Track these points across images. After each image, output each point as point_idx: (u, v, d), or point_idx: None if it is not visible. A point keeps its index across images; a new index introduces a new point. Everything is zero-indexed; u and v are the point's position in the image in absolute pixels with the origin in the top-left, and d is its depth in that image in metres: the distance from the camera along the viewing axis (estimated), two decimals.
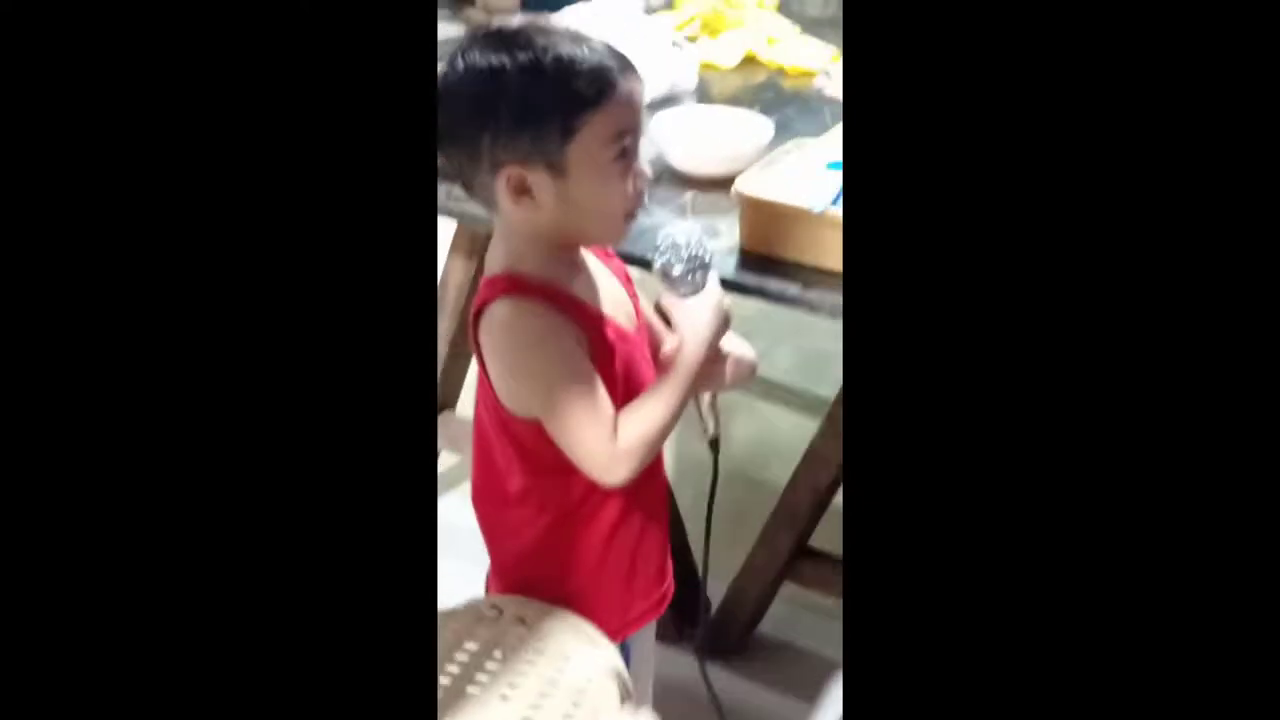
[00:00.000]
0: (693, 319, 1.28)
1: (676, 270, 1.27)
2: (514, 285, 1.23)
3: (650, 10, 2.53)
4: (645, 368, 1.33)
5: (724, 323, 1.31)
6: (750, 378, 1.41)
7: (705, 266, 1.29)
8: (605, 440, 1.21)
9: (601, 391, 1.23)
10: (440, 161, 1.54)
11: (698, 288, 1.28)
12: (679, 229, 1.29)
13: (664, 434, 1.25)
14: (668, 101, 2.01)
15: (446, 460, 2.31)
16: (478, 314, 1.26)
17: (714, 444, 1.41)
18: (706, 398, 1.38)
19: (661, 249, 1.28)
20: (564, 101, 1.17)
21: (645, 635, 1.48)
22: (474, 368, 1.34)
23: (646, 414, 1.24)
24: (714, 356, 1.31)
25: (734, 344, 1.36)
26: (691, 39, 2.29)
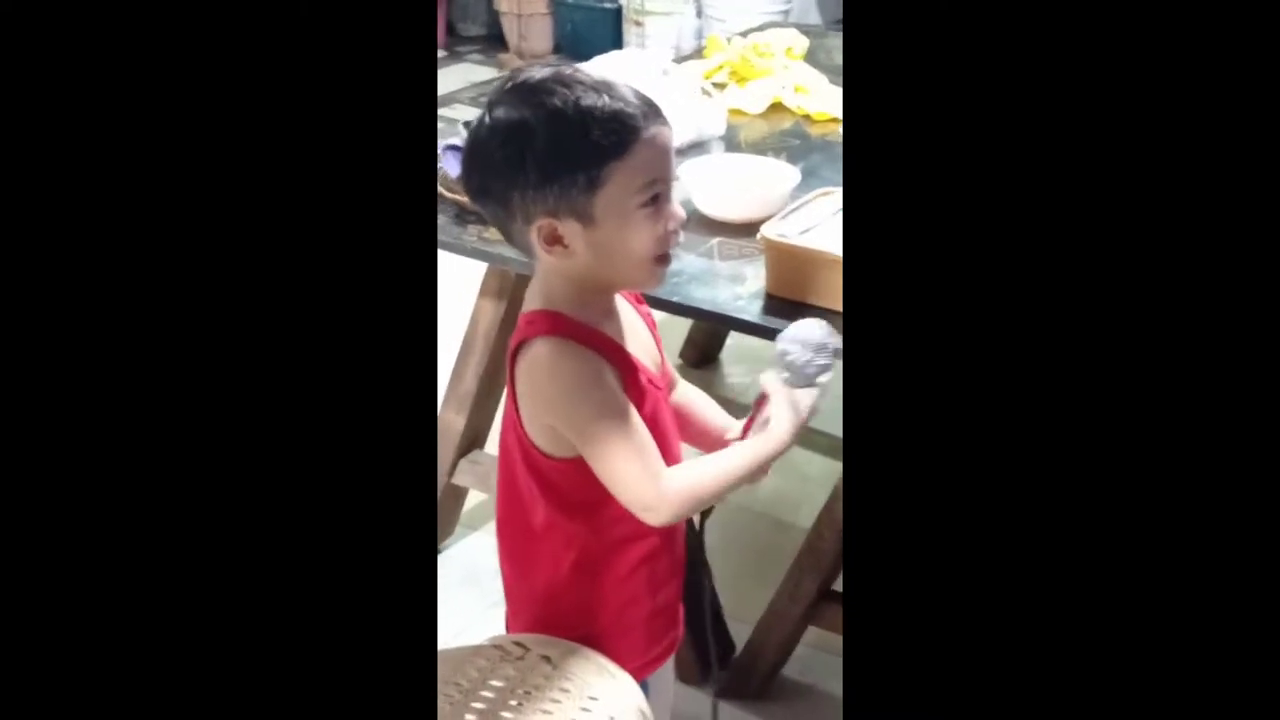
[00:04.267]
0: (790, 412, 1.25)
1: (806, 368, 1.24)
2: (554, 325, 1.23)
3: (680, 58, 2.56)
4: (668, 413, 1.34)
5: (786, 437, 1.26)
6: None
7: (828, 368, 1.25)
8: (649, 479, 1.21)
9: (643, 429, 1.23)
10: (469, 205, 1.54)
11: (811, 383, 1.25)
12: (807, 327, 1.25)
13: (714, 498, 1.26)
14: (696, 147, 2.04)
15: (474, 498, 2.32)
16: (516, 349, 1.26)
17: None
18: None
19: (787, 349, 1.24)
20: (588, 153, 1.17)
21: (664, 673, 1.48)
22: (503, 404, 1.33)
23: (707, 473, 1.25)
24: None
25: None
26: (720, 86, 2.32)
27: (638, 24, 4.58)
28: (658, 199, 1.21)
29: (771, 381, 1.26)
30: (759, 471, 1.27)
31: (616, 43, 4.58)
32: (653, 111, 1.20)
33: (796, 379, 1.24)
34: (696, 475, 1.24)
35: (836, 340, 1.24)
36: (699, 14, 4.51)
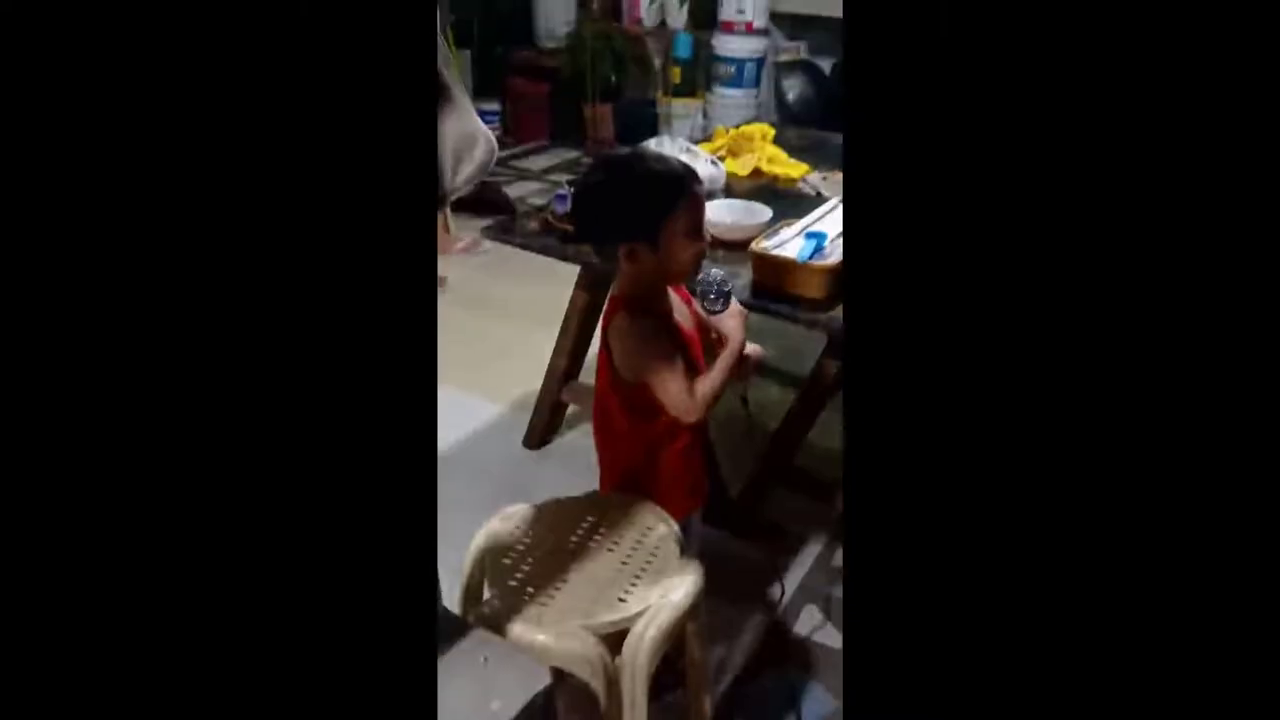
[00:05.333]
0: (731, 325, 1.29)
1: (709, 297, 1.29)
2: (630, 304, 1.26)
3: (695, 140, 2.54)
4: (699, 351, 1.34)
5: (745, 324, 1.31)
6: (758, 367, 1.40)
7: (728, 294, 1.30)
8: (686, 394, 1.24)
9: (681, 364, 1.26)
10: (570, 232, 1.53)
11: (724, 306, 1.30)
12: (710, 272, 1.30)
13: (720, 392, 1.27)
14: (709, 196, 1.99)
15: (572, 410, 2.32)
16: (608, 320, 1.28)
17: (744, 400, 1.42)
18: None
19: (701, 284, 1.30)
20: (657, 203, 1.19)
21: (695, 518, 1.49)
22: (592, 351, 1.36)
23: (710, 380, 1.26)
24: (743, 348, 1.31)
25: (751, 347, 1.36)
26: (722, 158, 2.28)
27: (667, 122, 4.54)
28: (696, 230, 1.21)
29: (710, 318, 1.30)
30: (735, 367, 1.27)
31: (654, 132, 4.53)
32: (693, 176, 1.22)
33: (709, 305, 1.29)
34: (705, 384, 1.25)
35: (729, 282, 1.29)
36: (704, 115, 4.48)
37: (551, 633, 1.16)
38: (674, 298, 1.35)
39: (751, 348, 1.37)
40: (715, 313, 1.30)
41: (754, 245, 1.58)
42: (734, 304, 1.31)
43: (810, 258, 1.52)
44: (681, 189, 1.19)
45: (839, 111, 4.18)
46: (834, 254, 1.54)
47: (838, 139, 2.63)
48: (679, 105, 4.46)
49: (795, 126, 2.86)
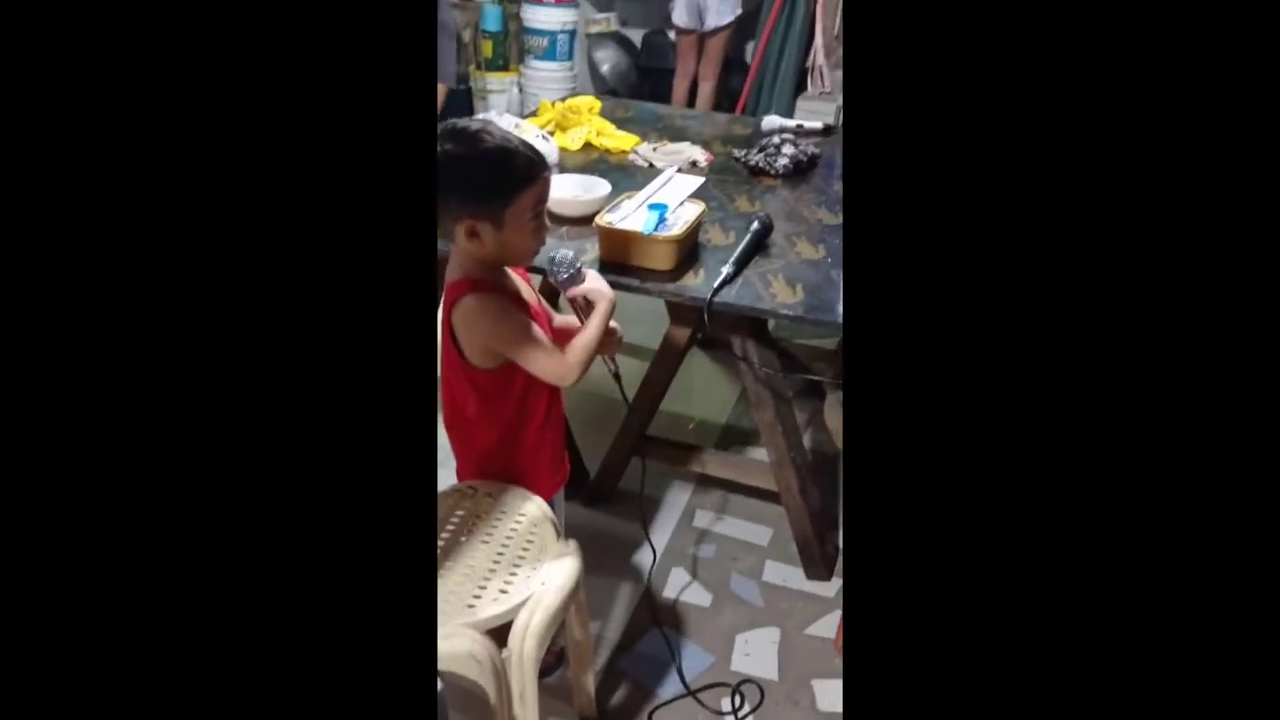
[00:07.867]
0: (598, 287, 1.27)
1: (562, 276, 1.26)
2: (475, 286, 1.19)
3: (523, 116, 2.47)
4: (546, 326, 1.30)
5: (612, 297, 1.28)
6: (620, 343, 1.38)
7: (578, 270, 1.27)
8: (557, 361, 1.20)
9: (542, 333, 1.22)
10: None
11: (577, 282, 1.26)
12: (558, 252, 1.27)
13: (593, 354, 1.24)
14: None
15: None
16: (449, 307, 1.20)
17: (616, 376, 1.38)
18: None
19: (551, 264, 1.26)
20: (506, 182, 1.13)
21: (559, 496, 1.45)
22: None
23: (585, 338, 1.23)
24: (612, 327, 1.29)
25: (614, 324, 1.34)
26: (551, 133, 2.22)
27: (482, 98, 4.39)
28: (539, 215, 1.17)
29: (572, 291, 1.27)
30: (607, 323, 1.26)
31: (469, 108, 4.37)
32: (542, 159, 1.17)
33: (563, 283, 1.26)
34: (578, 346, 1.22)
35: (579, 260, 1.27)
36: (520, 90, 4.36)
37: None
38: (514, 275, 1.29)
39: (612, 324, 1.35)
40: (568, 287, 1.27)
41: (599, 220, 1.54)
42: (593, 273, 1.29)
43: (655, 229, 1.51)
44: (533, 169, 1.14)
45: (652, 81, 4.20)
46: (676, 225, 1.54)
47: (658, 109, 2.64)
48: (493, 80, 4.32)
49: (612, 98, 2.84)
